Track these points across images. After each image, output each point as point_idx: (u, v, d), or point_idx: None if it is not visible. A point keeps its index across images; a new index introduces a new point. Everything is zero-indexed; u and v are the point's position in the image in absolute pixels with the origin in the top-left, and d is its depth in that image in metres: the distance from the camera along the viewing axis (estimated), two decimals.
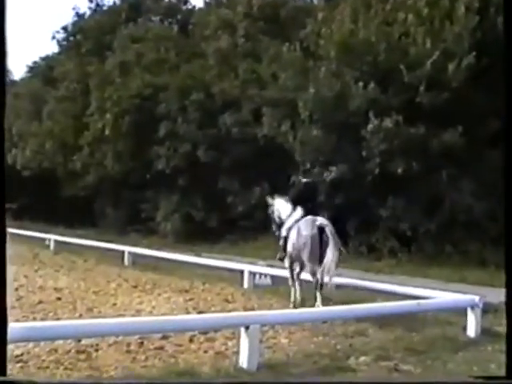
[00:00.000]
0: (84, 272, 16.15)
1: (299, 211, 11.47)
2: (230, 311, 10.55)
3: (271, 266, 14.88)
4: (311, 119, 20.69)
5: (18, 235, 24.07)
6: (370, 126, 18.90)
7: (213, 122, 26.67)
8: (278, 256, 11.84)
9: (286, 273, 11.86)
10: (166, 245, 24.49)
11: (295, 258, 11.31)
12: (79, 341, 7.81)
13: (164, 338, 8.30)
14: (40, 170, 36.83)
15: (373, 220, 19.92)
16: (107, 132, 30.12)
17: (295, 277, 11.55)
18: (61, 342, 7.65)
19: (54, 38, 42.19)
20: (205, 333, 8.58)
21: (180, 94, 27.96)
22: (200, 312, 10.49)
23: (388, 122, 18.52)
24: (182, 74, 28.89)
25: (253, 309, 10.96)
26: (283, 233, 11.59)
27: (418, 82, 18.36)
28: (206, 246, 23.47)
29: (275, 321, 8.50)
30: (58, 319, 9.48)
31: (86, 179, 33.25)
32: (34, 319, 9.40)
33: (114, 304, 11.35)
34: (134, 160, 30.07)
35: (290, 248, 11.25)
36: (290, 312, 9.63)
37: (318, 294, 10.45)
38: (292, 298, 11.43)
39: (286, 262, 11.60)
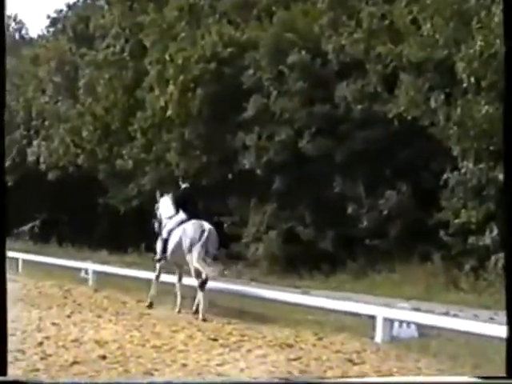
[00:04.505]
0: (139, 318, 16.31)
1: (181, 215, 16.80)
2: (355, 377, 10.47)
3: (417, 309, 14.67)
4: (479, 89, 20.37)
5: (42, 264, 24.58)
6: None
7: (325, 95, 26.66)
8: (157, 257, 17.38)
9: (435, 320, 12.08)
10: (257, 276, 24.61)
11: (176, 261, 16.83)
12: None
13: None
14: (74, 170, 37.69)
15: None
16: (170, 112, 30.55)
17: (177, 280, 17.30)
18: None
19: None
20: None
21: (275, 55, 28.07)
22: None
23: None
24: (278, 24, 28.98)
25: (391, 374, 10.82)
26: (164, 235, 16.99)
27: None
28: (317, 279, 23.43)
29: None
30: None
31: (140, 182, 33.88)
32: None
33: (184, 365, 11.39)
34: (210, 153, 30.42)
35: (170, 250, 16.68)
36: (445, 380, 9.49)
37: (201, 295, 15.85)
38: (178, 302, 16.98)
39: (158, 264, 17.40)
